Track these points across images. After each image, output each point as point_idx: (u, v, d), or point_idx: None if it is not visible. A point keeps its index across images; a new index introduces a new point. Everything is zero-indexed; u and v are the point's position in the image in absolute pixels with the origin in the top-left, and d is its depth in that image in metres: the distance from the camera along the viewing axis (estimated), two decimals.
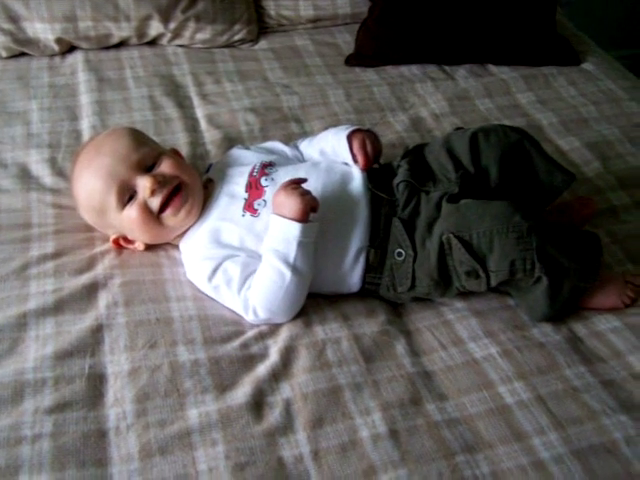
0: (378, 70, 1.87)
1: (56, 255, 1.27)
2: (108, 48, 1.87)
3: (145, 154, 1.26)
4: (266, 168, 1.31)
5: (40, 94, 1.71)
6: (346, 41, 1.97)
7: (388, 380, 1.09)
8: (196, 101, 1.72)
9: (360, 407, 1.05)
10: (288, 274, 1.15)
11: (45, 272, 1.24)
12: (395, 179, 1.27)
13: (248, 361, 1.11)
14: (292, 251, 1.15)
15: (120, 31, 1.85)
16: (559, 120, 1.72)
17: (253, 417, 1.03)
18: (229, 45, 1.93)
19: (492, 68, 1.90)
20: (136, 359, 1.10)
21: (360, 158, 1.31)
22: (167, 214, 1.25)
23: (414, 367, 1.13)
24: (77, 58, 1.84)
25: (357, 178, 1.29)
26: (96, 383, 1.07)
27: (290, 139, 1.59)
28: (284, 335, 1.16)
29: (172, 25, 1.87)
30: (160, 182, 1.23)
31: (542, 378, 1.11)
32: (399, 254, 1.21)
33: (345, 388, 1.08)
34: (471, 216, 1.15)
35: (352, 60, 1.89)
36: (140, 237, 1.28)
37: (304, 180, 1.22)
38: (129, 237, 1.29)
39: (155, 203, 1.24)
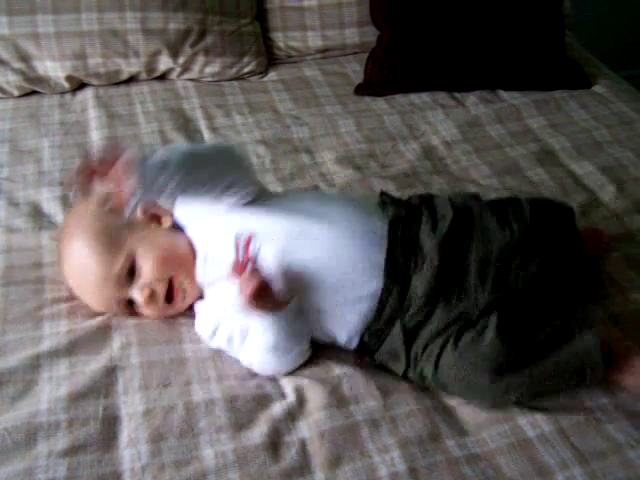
0: (388, 99, 1.86)
1: (69, 296, 1.26)
2: (118, 84, 1.89)
3: (119, 266, 1.16)
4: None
5: (51, 132, 1.72)
6: (355, 71, 1.97)
7: (406, 416, 1.07)
8: (206, 135, 1.72)
9: (378, 445, 1.03)
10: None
11: (59, 313, 1.23)
12: (416, 281, 1.10)
13: (263, 399, 1.09)
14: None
15: (129, 67, 1.86)
16: (572, 144, 1.71)
17: (270, 457, 1.01)
18: (238, 78, 1.94)
19: (502, 94, 1.89)
20: (150, 399, 1.09)
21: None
22: (175, 302, 1.20)
23: (432, 401, 1.10)
24: (87, 95, 1.85)
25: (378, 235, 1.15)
26: (110, 424, 1.05)
27: (301, 170, 1.60)
28: (299, 372, 1.14)
29: (181, 59, 1.88)
30: (151, 295, 1.17)
31: (563, 410, 1.08)
32: (391, 358, 1.12)
33: (362, 425, 1.05)
34: (453, 382, 1.07)
35: (362, 89, 1.89)
36: None
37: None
38: None
39: (159, 304, 1.19)
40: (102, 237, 1.18)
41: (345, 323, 1.13)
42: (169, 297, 1.19)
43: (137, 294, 1.18)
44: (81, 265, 1.19)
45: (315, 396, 1.10)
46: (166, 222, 1.24)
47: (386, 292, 1.10)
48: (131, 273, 1.18)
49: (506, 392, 1.05)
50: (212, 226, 1.19)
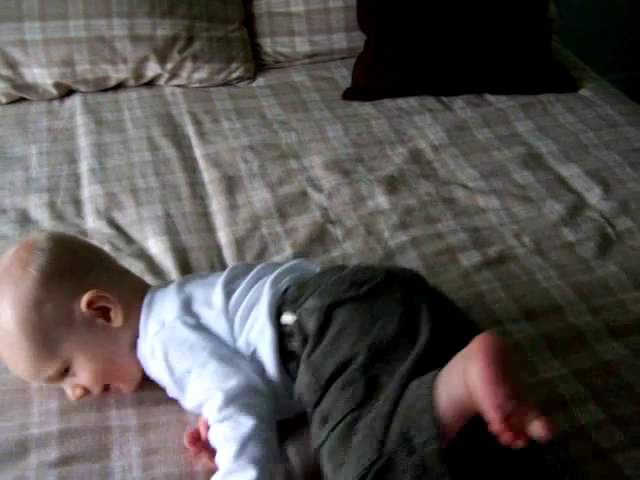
0: (376, 103, 1.87)
1: None
2: (106, 90, 1.88)
3: (52, 371, 1.05)
4: None
5: (39, 138, 1.72)
6: (343, 75, 1.97)
7: None
8: (194, 140, 1.72)
9: None
10: None
11: None
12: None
13: None
14: None
15: (117, 73, 1.86)
16: (559, 147, 1.72)
17: None
18: (226, 83, 1.93)
19: (490, 98, 1.90)
20: (143, 414, 1.08)
21: None
22: (109, 394, 1.11)
23: None
24: (75, 101, 1.85)
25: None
26: (101, 437, 1.05)
27: (289, 175, 1.60)
28: None
29: (169, 66, 1.88)
30: (82, 395, 1.07)
31: None
32: None
33: None
34: None
35: (349, 94, 1.89)
36: None
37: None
38: None
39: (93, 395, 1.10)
40: (38, 336, 1.03)
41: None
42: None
43: (69, 389, 1.08)
44: (12, 359, 1.06)
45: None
46: (116, 321, 1.06)
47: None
48: (65, 370, 1.06)
49: None
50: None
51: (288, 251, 1.39)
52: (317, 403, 0.92)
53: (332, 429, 0.88)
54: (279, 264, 1.14)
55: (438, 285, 1.30)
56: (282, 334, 1.01)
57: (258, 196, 1.54)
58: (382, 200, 1.53)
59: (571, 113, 1.84)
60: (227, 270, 1.13)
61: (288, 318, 1.01)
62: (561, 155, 1.69)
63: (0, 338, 1.05)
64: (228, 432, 0.94)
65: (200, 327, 1.05)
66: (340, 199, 1.54)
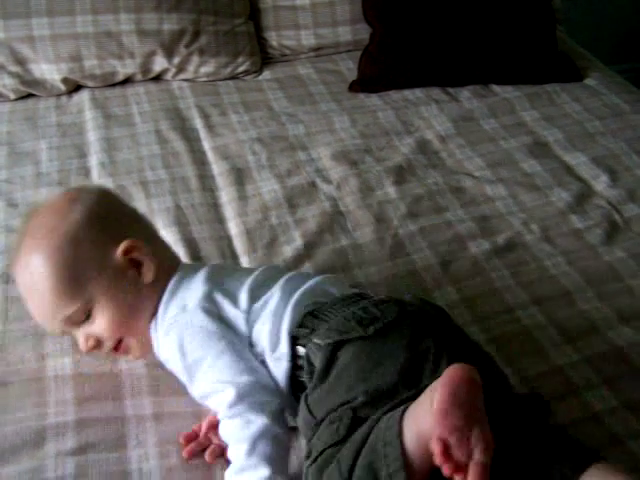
0: (382, 95, 1.87)
1: None
2: (114, 85, 1.89)
3: (72, 310, 1.04)
4: None
5: (48, 133, 1.73)
6: (349, 68, 1.98)
7: None
8: (203, 134, 1.73)
9: None
10: None
11: None
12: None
13: None
14: None
15: (125, 68, 1.87)
16: (565, 136, 1.73)
17: None
18: (233, 77, 1.95)
19: (495, 88, 1.91)
20: (158, 404, 1.09)
21: None
22: (117, 355, 1.12)
23: None
24: (83, 97, 1.86)
25: None
26: (118, 426, 1.06)
27: (297, 167, 1.61)
28: None
29: (176, 60, 1.89)
30: (95, 347, 1.08)
31: None
32: None
33: None
34: None
35: (356, 86, 1.90)
36: None
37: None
38: None
39: (102, 353, 1.11)
40: (67, 270, 1.04)
41: None
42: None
43: (81, 338, 1.08)
44: (36, 289, 1.06)
45: None
46: (146, 276, 1.08)
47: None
48: (84, 316, 1.06)
49: None
50: None
51: (298, 241, 1.41)
52: (310, 439, 0.92)
53: (311, 463, 0.88)
54: (305, 278, 1.12)
55: (449, 273, 1.33)
56: (295, 365, 1.01)
57: (267, 187, 1.55)
58: (390, 190, 1.54)
59: (577, 102, 1.85)
60: (258, 271, 1.13)
61: (301, 349, 1.01)
62: (567, 144, 1.70)
63: (30, 267, 1.05)
64: (238, 430, 0.94)
65: (220, 318, 1.05)
66: (349, 189, 1.55)
